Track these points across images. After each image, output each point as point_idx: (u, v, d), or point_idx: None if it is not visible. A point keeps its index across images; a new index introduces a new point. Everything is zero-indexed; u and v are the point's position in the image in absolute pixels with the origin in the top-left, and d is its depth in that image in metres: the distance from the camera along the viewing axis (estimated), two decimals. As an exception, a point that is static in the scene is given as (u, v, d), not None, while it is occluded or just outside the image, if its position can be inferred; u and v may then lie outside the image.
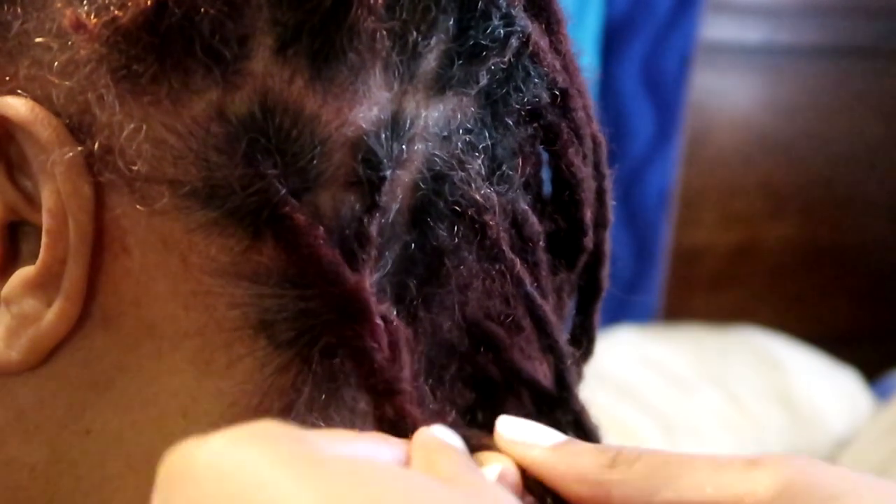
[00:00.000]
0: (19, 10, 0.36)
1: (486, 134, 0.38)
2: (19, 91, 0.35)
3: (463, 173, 0.38)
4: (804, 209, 2.37)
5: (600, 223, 0.43)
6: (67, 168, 0.35)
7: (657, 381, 1.86)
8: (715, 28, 2.17)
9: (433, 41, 0.37)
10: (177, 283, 0.36)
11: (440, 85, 0.37)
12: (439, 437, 0.34)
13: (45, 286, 0.36)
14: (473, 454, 0.35)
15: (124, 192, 0.35)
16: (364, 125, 0.36)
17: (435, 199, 0.37)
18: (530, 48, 0.39)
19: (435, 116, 0.37)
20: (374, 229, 0.36)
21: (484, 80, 0.38)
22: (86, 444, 0.38)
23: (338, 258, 0.35)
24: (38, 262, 0.36)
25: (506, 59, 0.38)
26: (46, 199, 0.35)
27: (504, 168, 0.39)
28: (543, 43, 0.40)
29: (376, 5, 0.35)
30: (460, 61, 0.37)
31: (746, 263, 2.36)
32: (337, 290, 0.35)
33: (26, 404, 0.38)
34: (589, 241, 0.43)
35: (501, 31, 0.38)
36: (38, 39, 0.35)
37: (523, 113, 0.40)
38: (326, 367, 0.37)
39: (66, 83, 0.35)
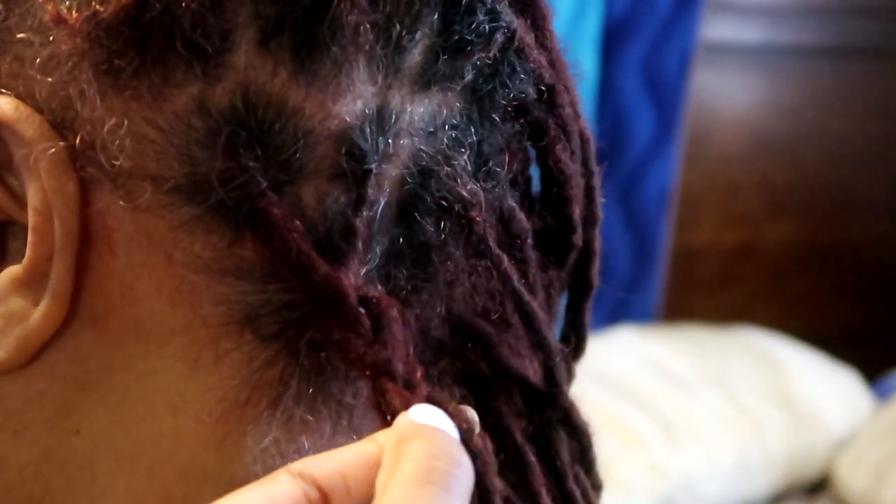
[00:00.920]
0: (1, 6, 0.35)
1: (473, 130, 0.38)
2: (2, 89, 0.35)
3: (449, 169, 0.38)
4: (804, 209, 2.37)
5: (589, 220, 0.43)
6: (51, 164, 0.35)
7: (657, 382, 1.86)
8: (715, 28, 2.17)
9: (417, 35, 0.37)
10: (162, 280, 0.36)
11: (425, 80, 0.37)
12: (414, 422, 0.34)
13: (32, 284, 0.36)
14: None
15: (108, 189, 0.35)
16: (348, 118, 0.36)
17: (422, 193, 0.37)
18: (516, 44, 0.39)
19: (420, 111, 0.37)
20: (359, 222, 0.36)
21: (469, 76, 0.38)
22: (75, 442, 0.38)
23: (310, 250, 0.35)
24: (25, 260, 0.36)
25: (491, 55, 0.38)
26: (32, 196, 0.35)
27: (491, 164, 0.39)
28: (529, 39, 0.40)
29: None
30: (445, 56, 0.37)
31: (746, 263, 2.36)
32: (309, 281, 0.35)
33: (14, 404, 0.38)
34: (578, 238, 0.43)
35: (486, 27, 0.38)
36: (20, 35, 0.35)
37: (510, 109, 0.39)
38: (314, 359, 0.37)
39: (48, 79, 0.35)
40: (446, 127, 0.38)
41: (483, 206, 0.39)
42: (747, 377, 1.92)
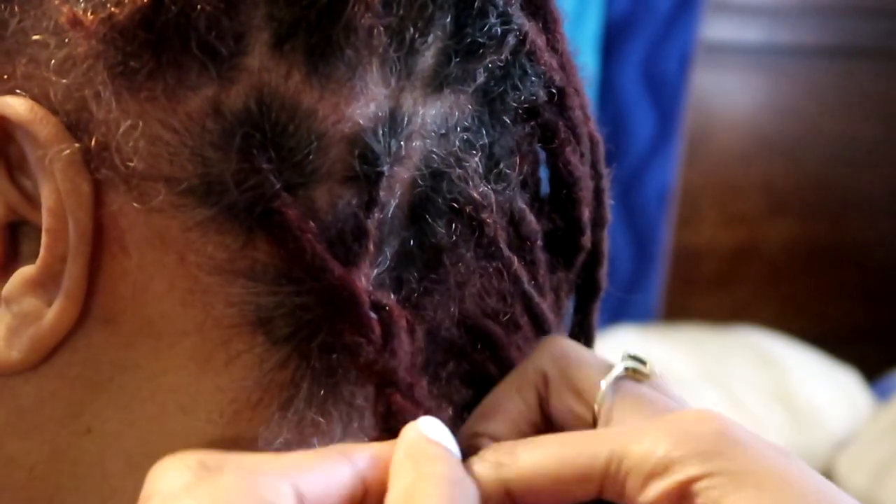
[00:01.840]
0: (16, 7, 0.36)
1: (484, 132, 0.39)
2: (17, 90, 0.35)
3: (460, 171, 0.38)
4: (804, 209, 2.37)
5: (598, 222, 0.44)
6: (66, 165, 0.35)
7: (657, 381, 1.86)
8: (715, 28, 2.17)
9: (430, 38, 0.37)
10: (174, 281, 0.36)
11: (437, 82, 0.37)
12: (427, 439, 0.34)
13: (46, 285, 0.36)
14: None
15: (122, 190, 0.35)
16: (361, 121, 0.36)
17: (433, 195, 0.38)
18: (527, 46, 0.39)
19: (432, 114, 0.37)
20: (371, 224, 0.36)
21: (481, 78, 0.38)
22: (86, 442, 0.38)
23: (324, 252, 0.35)
24: (39, 260, 0.36)
25: (503, 57, 0.38)
26: (46, 197, 0.35)
27: (501, 166, 0.39)
28: (540, 41, 0.40)
29: (373, 2, 0.35)
30: (457, 59, 0.37)
31: (746, 263, 2.36)
32: (323, 283, 0.35)
33: (26, 403, 0.38)
34: (586, 240, 0.43)
35: (498, 29, 0.38)
36: (36, 37, 0.35)
37: (520, 111, 0.40)
38: (325, 362, 0.37)
39: (64, 80, 0.35)
40: (458, 129, 0.38)
41: (494, 207, 0.39)
42: (747, 377, 1.92)
